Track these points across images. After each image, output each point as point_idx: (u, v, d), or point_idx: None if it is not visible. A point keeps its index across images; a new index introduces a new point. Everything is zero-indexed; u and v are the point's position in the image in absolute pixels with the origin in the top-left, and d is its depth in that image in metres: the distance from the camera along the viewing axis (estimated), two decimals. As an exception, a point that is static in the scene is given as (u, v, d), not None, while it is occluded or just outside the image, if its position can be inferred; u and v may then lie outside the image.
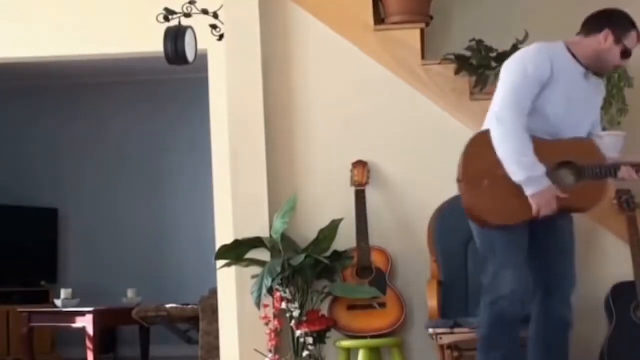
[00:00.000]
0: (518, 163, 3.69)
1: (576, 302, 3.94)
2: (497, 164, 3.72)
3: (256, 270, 4.81)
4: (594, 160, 3.81)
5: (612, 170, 3.83)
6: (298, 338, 4.70)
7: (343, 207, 4.93)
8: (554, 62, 3.78)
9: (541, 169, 3.70)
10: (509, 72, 3.84)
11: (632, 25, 3.87)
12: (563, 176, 3.79)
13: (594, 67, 3.87)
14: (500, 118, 3.73)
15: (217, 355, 5.70)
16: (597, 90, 3.97)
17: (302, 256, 4.69)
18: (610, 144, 4.19)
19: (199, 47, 5.39)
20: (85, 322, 7.76)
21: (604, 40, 3.83)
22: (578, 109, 3.84)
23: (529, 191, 3.69)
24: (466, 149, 3.79)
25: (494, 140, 3.73)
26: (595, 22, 3.88)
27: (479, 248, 3.90)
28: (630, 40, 3.84)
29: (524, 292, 3.75)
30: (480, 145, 3.78)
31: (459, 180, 3.80)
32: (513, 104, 3.73)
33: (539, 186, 3.69)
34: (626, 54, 3.85)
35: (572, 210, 3.87)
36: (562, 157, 3.78)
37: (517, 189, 3.70)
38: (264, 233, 4.90)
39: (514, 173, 3.70)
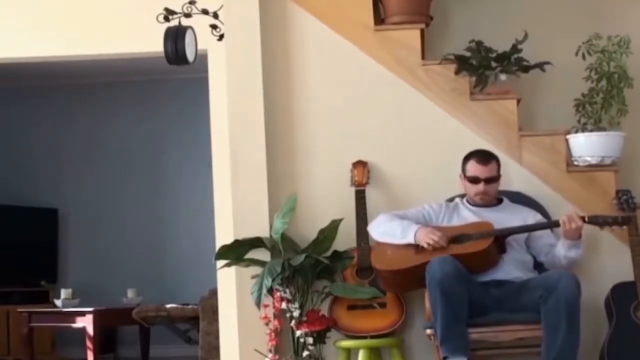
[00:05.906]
0: (389, 230, 4.54)
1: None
2: (388, 245, 4.58)
3: (256, 270, 4.81)
4: (482, 229, 4.45)
5: (499, 231, 4.44)
6: (298, 338, 4.70)
7: (343, 207, 4.93)
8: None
9: (408, 221, 4.54)
10: None
11: (470, 156, 4.63)
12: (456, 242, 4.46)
13: (473, 202, 4.65)
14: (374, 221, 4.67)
15: (217, 355, 5.70)
16: (509, 213, 4.60)
17: (302, 256, 4.69)
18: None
19: (199, 47, 5.39)
20: (85, 322, 7.77)
21: (461, 183, 4.68)
22: None
23: (409, 238, 4.47)
24: (372, 254, 4.67)
25: (375, 236, 4.64)
26: None
27: None
28: (469, 169, 4.60)
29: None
30: (377, 245, 4.65)
31: (377, 269, 4.60)
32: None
33: (413, 229, 4.48)
34: (473, 180, 4.58)
35: (472, 263, 4.36)
36: (458, 233, 4.47)
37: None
38: (264, 233, 4.90)
39: (394, 237, 4.53)
